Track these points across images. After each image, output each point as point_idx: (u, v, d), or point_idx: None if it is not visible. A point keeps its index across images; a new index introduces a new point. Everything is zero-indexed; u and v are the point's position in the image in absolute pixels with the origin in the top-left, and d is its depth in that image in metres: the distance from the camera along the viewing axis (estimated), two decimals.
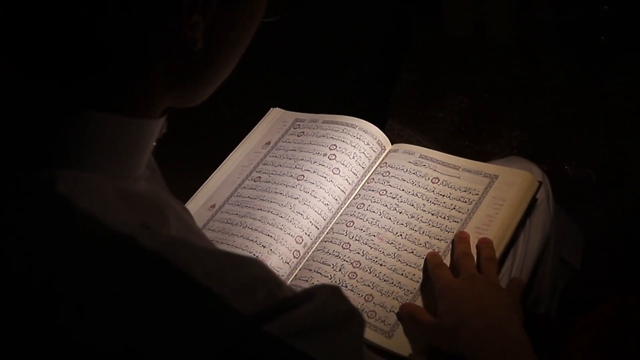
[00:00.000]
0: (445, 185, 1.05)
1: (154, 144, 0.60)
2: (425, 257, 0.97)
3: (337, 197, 1.08)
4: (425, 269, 0.96)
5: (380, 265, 0.98)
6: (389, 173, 1.09)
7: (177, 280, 0.49)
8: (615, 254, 1.53)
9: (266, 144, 1.20)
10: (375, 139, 1.14)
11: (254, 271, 0.52)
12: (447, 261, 0.96)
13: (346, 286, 0.97)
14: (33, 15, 0.51)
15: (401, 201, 1.05)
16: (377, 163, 1.12)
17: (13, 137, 0.53)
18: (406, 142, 1.17)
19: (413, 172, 1.08)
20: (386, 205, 1.04)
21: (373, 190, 1.07)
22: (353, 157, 1.11)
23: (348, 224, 1.04)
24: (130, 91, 0.55)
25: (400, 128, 1.92)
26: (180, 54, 0.55)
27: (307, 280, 0.98)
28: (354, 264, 0.99)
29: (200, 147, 1.78)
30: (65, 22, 0.51)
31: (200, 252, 0.52)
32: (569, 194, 1.67)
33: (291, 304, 0.50)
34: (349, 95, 1.94)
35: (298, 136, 1.18)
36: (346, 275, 0.98)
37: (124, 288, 0.49)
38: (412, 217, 1.02)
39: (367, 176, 1.11)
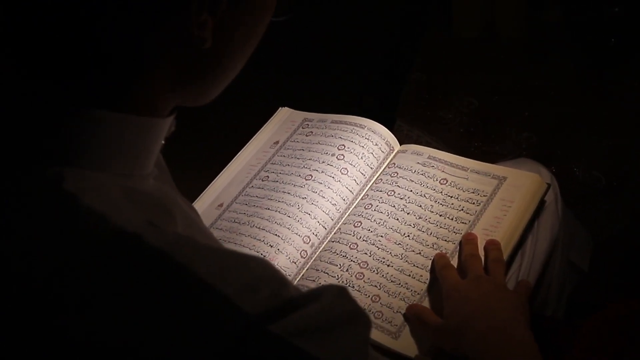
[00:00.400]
0: (453, 187, 1.05)
1: (163, 142, 0.61)
2: (432, 258, 0.97)
3: (345, 197, 1.08)
4: (432, 270, 0.96)
5: (388, 266, 0.98)
6: (397, 174, 1.08)
7: (179, 279, 0.49)
8: (623, 257, 1.52)
9: (274, 143, 1.20)
10: (384, 139, 1.14)
11: (259, 271, 0.52)
12: (454, 262, 0.96)
13: (353, 286, 0.96)
14: (32, 16, 0.51)
15: (409, 202, 1.04)
16: (386, 164, 1.12)
17: (19, 136, 0.54)
18: (415, 143, 1.17)
19: (421, 173, 1.07)
20: (394, 206, 1.04)
21: (381, 191, 1.07)
22: (361, 158, 1.11)
23: (356, 225, 1.04)
24: (135, 90, 0.55)
25: (408, 129, 1.92)
26: (188, 53, 0.55)
27: (314, 280, 0.98)
28: (361, 264, 0.99)
29: (206, 147, 1.78)
30: (64, 23, 0.51)
31: (204, 251, 0.52)
32: (578, 196, 1.66)
33: (296, 304, 0.50)
34: (357, 95, 1.94)
35: (306, 136, 1.18)
36: (353, 276, 0.98)
37: (126, 287, 0.49)
38: (419, 218, 1.02)
39: (375, 177, 1.11)
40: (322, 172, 1.10)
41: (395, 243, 1.00)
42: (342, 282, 0.97)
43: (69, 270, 0.50)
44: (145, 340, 0.48)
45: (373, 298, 0.95)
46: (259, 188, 1.13)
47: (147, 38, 0.53)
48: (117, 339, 0.49)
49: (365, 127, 1.15)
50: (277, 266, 0.97)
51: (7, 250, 0.51)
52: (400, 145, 1.15)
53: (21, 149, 0.53)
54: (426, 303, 0.93)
